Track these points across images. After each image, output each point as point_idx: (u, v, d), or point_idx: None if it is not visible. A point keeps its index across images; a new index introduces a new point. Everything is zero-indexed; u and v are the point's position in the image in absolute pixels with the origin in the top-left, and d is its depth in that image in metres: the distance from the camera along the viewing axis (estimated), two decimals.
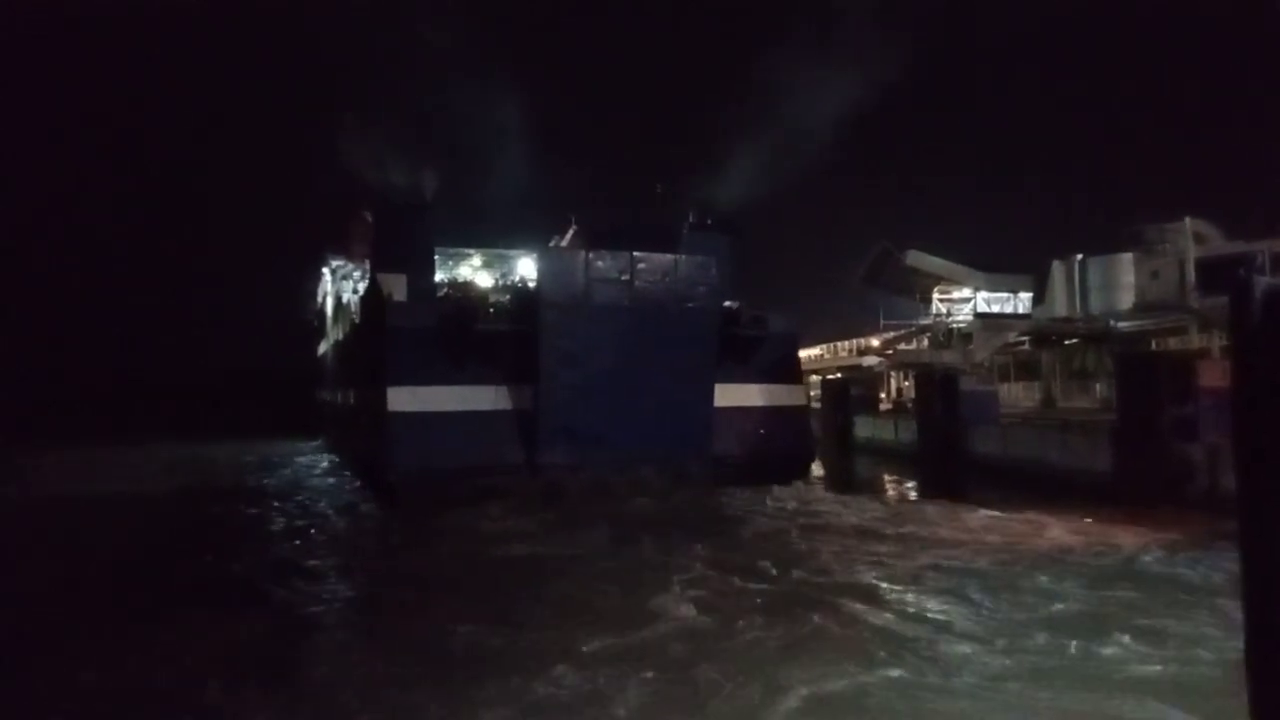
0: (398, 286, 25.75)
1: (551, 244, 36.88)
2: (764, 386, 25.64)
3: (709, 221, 30.08)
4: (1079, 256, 32.48)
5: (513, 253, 36.83)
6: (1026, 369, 42.42)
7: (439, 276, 30.79)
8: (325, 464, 36.30)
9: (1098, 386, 36.75)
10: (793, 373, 27.31)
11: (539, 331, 21.77)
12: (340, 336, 40.18)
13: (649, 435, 22.26)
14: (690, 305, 22.91)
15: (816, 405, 46.54)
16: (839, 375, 47.09)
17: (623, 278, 22.30)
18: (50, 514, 23.31)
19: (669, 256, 23.60)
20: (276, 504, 24.09)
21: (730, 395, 24.56)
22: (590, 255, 22.74)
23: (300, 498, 25.32)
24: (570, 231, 36.72)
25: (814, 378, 52.14)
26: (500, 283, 33.98)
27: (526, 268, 34.77)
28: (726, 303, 27.21)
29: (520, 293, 26.32)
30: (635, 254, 22.74)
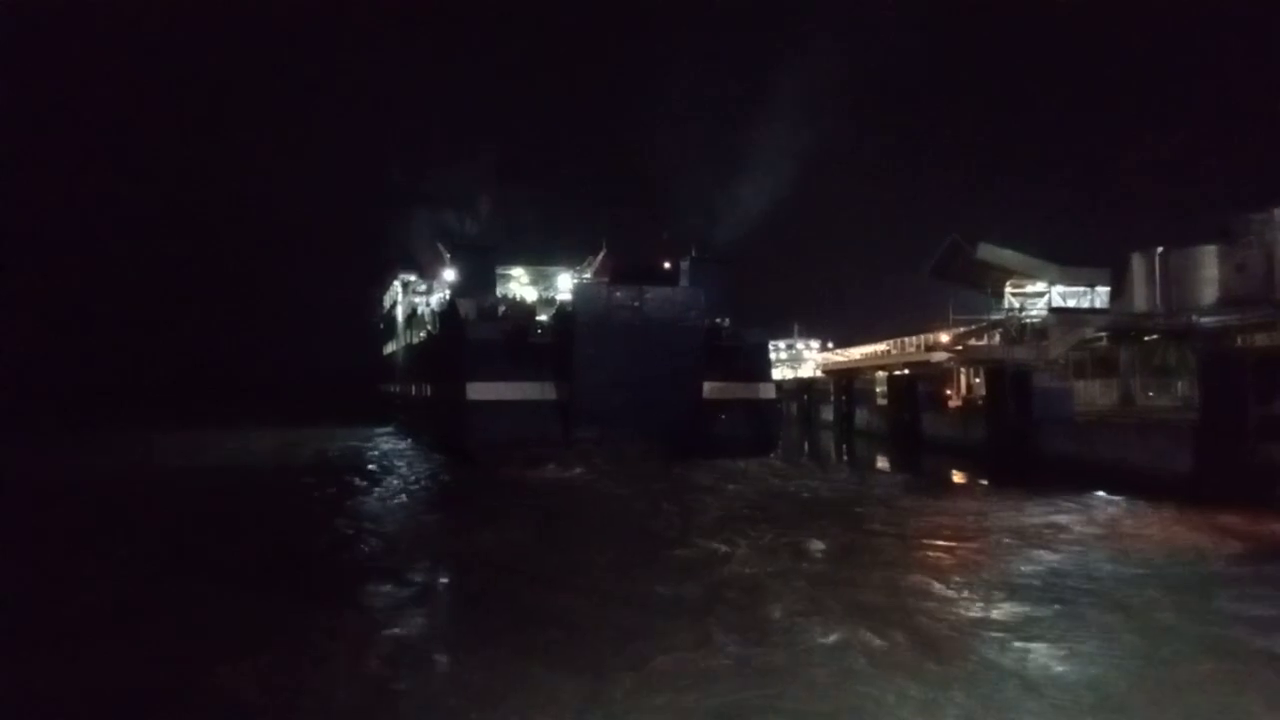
0: (469, 308, 34.60)
1: (587, 262, 45.47)
2: (741, 384, 34.09)
3: (707, 255, 38.57)
4: (1159, 249, 30.23)
5: (552, 269, 45.28)
6: (1104, 366, 39.86)
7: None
8: (405, 444, 45.30)
9: (1179, 384, 35.56)
10: (764, 373, 35.83)
11: (573, 343, 30.20)
12: (413, 341, 49.28)
13: (652, 419, 30.29)
14: (684, 325, 31.12)
15: (883, 402, 47.47)
16: (906, 371, 47.20)
17: (635, 304, 30.61)
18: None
19: (669, 289, 32.20)
20: (399, 464, 34.14)
21: (715, 390, 32.99)
22: (611, 288, 31.47)
23: (402, 464, 34.47)
24: (601, 254, 45.41)
25: (880, 373, 51.26)
26: (543, 295, 42.70)
27: (565, 283, 43.31)
28: (718, 319, 35.65)
29: (560, 313, 35.05)
30: (644, 287, 31.28)
